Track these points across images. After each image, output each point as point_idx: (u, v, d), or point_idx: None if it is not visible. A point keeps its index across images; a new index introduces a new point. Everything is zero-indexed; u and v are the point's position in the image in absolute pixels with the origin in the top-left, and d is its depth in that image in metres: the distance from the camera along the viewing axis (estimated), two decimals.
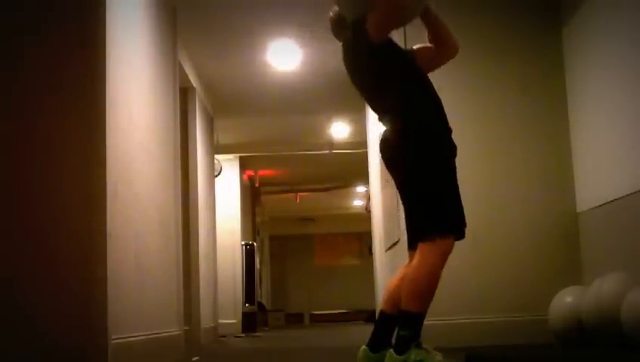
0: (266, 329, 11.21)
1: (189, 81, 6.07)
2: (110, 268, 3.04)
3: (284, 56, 6.27)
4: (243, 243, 9.89)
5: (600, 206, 4.08)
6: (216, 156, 8.10)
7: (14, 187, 3.05)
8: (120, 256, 3.26)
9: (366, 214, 10.22)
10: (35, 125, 3.10)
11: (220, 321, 7.76)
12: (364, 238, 14.27)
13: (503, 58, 4.59)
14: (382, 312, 2.79)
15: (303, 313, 16.84)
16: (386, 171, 2.89)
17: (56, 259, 3.02)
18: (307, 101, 7.67)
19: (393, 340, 2.65)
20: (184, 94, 5.96)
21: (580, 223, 4.38)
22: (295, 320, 15.76)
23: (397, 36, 2.93)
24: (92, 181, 3.05)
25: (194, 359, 4.42)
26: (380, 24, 2.69)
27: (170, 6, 4.85)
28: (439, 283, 2.61)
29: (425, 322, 2.62)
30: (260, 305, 11.37)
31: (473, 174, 4.37)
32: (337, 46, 2.95)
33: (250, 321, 9.60)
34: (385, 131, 2.79)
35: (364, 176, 8.15)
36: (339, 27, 2.89)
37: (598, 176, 4.16)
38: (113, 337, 3.04)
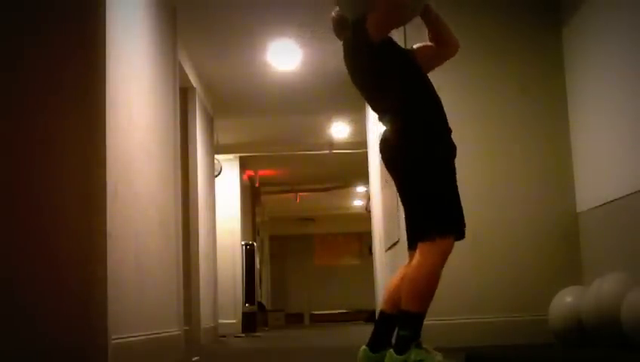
0: (266, 329, 11.21)
1: (189, 81, 6.07)
2: (110, 268, 3.04)
3: (284, 56, 6.27)
4: (243, 243, 9.89)
5: (600, 206, 4.08)
6: (216, 156, 8.10)
7: (14, 187, 3.05)
8: (120, 256, 3.26)
9: (366, 214, 10.22)
10: (35, 125, 3.10)
11: (220, 321, 7.76)
12: (364, 238, 14.27)
13: (503, 58, 4.60)
14: (382, 312, 2.79)
15: (303, 313, 16.84)
16: (386, 171, 2.89)
17: (56, 259, 3.02)
18: (307, 101, 7.67)
19: (393, 340, 2.65)
20: (184, 94, 5.96)
21: (580, 223, 4.38)
22: (295, 320, 15.76)
23: (397, 35, 2.93)
24: (92, 181, 3.05)
25: (194, 359, 4.42)
26: (380, 23, 2.69)
27: (170, 6, 4.85)
28: (439, 283, 2.61)
29: (425, 322, 2.62)
30: (260, 305, 11.37)
31: (473, 174, 4.37)
32: (337, 46, 2.95)
33: (250, 321, 9.60)
34: (385, 131, 2.79)
35: (364, 176, 8.15)
36: (340, 27, 2.90)
37: (598, 176, 4.16)
38: (113, 337, 3.04)
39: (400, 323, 2.61)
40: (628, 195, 3.72)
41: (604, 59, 4.05)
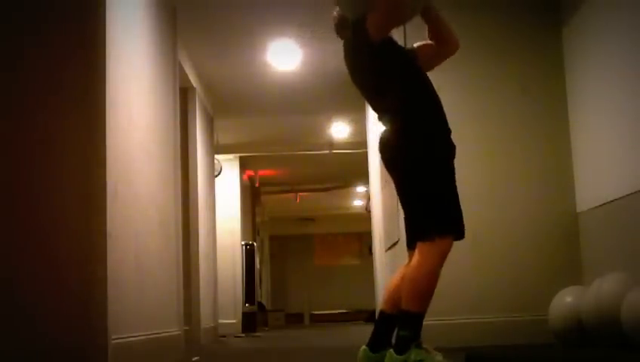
0: (266, 329, 11.21)
1: (189, 81, 6.07)
2: (110, 268, 3.04)
3: (284, 56, 6.26)
4: (243, 243, 9.89)
5: (600, 206, 4.08)
6: (216, 156, 8.10)
7: (14, 187, 3.05)
8: (120, 256, 3.26)
9: (366, 214, 10.22)
10: (35, 125, 3.10)
11: (220, 321, 7.76)
12: (364, 238, 14.27)
13: (503, 58, 4.60)
14: (382, 312, 2.79)
15: (303, 313, 16.84)
16: (386, 171, 2.89)
17: (56, 259, 3.02)
18: (307, 101, 7.67)
19: (393, 340, 2.65)
20: (184, 94, 5.96)
21: (580, 223, 4.38)
22: (295, 320, 15.75)
23: (397, 35, 2.93)
24: (92, 181, 3.05)
25: (194, 359, 4.42)
26: (380, 23, 2.69)
27: (170, 6, 4.85)
28: (439, 283, 2.61)
29: (425, 322, 2.62)
30: (260, 305, 11.37)
31: (473, 174, 4.37)
32: (337, 46, 2.95)
33: (250, 321, 9.59)
34: (384, 131, 2.79)
35: (364, 176, 8.15)
36: (341, 27, 2.90)
37: (598, 176, 4.16)
38: (113, 337, 3.04)
39: (400, 323, 2.61)
40: (628, 195, 3.72)
41: (604, 59, 4.05)
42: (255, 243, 10.56)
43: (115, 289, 3.10)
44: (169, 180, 4.55)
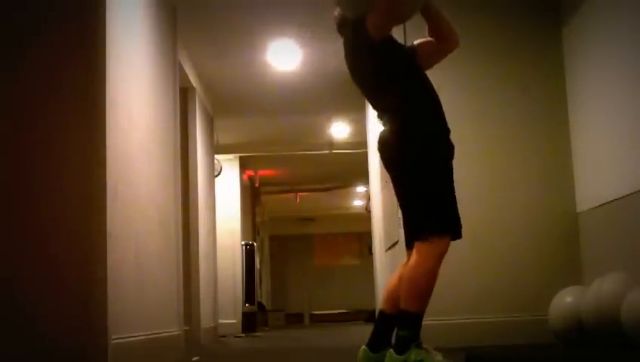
0: (266, 329, 11.21)
1: (189, 81, 6.07)
2: (110, 268, 3.04)
3: (284, 56, 6.27)
4: (243, 243, 9.89)
5: (600, 206, 4.08)
6: (216, 156, 8.10)
7: (14, 187, 3.05)
8: (120, 256, 3.26)
9: (366, 214, 10.22)
10: (35, 125, 3.10)
11: (220, 321, 7.76)
12: (364, 238, 14.27)
13: (503, 58, 4.60)
14: (381, 312, 2.79)
15: (303, 313, 16.84)
16: (386, 171, 2.89)
17: (56, 259, 3.02)
18: (307, 101, 7.67)
19: (393, 340, 2.65)
20: (184, 94, 5.96)
21: (580, 223, 4.38)
22: (295, 320, 15.75)
23: (397, 33, 2.93)
24: (92, 181, 3.05)
25: (194, 359, 4.42)
26: (380, 23, 2.69)
27: (170, 6, 4.85)
28: (438, 283, 2.62)
29: (425, 322, 2.62)
30: (260, 305, 11.37)
31: (473, 174, 4.37)
32: (337, 46, 2.95)
33: (250, 321, 9.59)
34: (383, 130, 2.79)
35: (364, 176, 8.15)
36: (342, 26, 2.90)
37: (598, 176, 4.16)
38: (113, 337, 3.04)
39: (399, 323, 2.61)
40: (628, 195, 3.72)
41: (604, 59, 4.05)
42: (255, 243, 10.56)
43: (115, 289, 3.10)
44: (169, 180, 4.55)
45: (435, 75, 2.84)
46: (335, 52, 3.10)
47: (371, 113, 5.77)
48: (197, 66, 6.36)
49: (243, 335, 8.73)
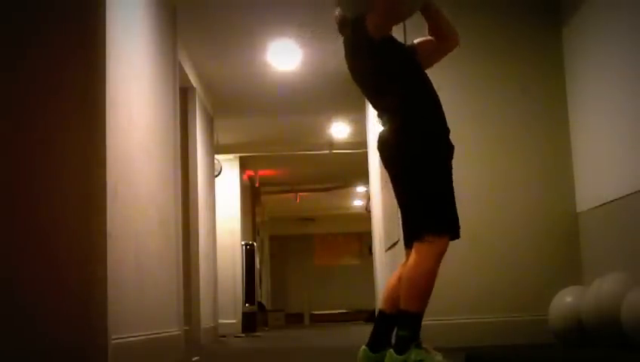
0: (266, 329, 11.21)
1: (189, 81, 6.07)
2: (110, 268, 3.04)
3: (284, 56, 6.27)
4: (243, 243, 9.89)
5: (600, 206, 4.08)
6: (216, 156, 8.10)
7: (14, 187, 3.05)
8: (120, 256, 3.26)
9: (366, 214, 10.22)
10: (35, 125, 3.10)
11: (220, 321, 7.76)
12: (364, 238, 14.27)
13: (503, 58, 4.60)
14: (381, 312, 2.79)
15: (303, 313, 16.84)
16: (385, 171, 2.89)
17: (56, 259, 3.02)
18: (307, 101, 7.67)
19: (393, 340, 2.65)
20: (184, 94, 5.96)
21: (580, 223, 4.38)
22: (295, 320, 15.75)
23: (397, 32, 2.93)
24: (92, 181, 3.05)
25: (194, 359, 4.42)
26: (379, 22, 2.69)
27: (170, 6, 4.85)
28: (438, 283, 2.62)
29: (424, 322, 2.62)
30: (260, 305, 11.37)
31: (473, 174, 4.37)
32: (337, 46, 2.95)
33: (250, 321, 9.60)
34: (383, 130, 2.79)
35: (364, 176, 8.15)
36: (342, 26, 2.90)
37: (598, 176, 4.16)
38: (113, 337, 3.04)
39: (399, 323, 2.61)
40: (628, 195, 3.72)
41: (604, 59, 4.05)
42: (255, 243, 10.56)
43: (115, 289, 3.10)
44: (169, 180, 4.55)
45: (435, 75, 2.84)
46: (335, 52, 3.10)
47: (371, 113, 5.77)
48: (197, 66, 6.36)
49: (243, 335, 8.73)
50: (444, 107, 2.75)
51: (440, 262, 2.61)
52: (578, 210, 4.39)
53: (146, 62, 4.12)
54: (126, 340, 3.26)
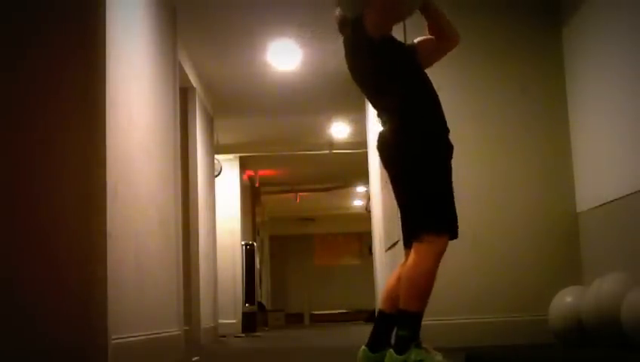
0: (266, 329, 11.21)
1: (189, 81, 6.07)
2: (110, 268, 3.04)
3: (284, 56, 6.27)
4: (243, 243, 9.89)
5: (600, 206, 4.08)
6: (216, 156, 8.10)
7: (14, 187, 3.05)
8: (120, 256, 3.26)
9: (366, 214, 10.22)
10: (35, 125, 3.10)
11: (220, 321, 7.76)
12: (364, 238, 14.27)
13: (502, 58, 4.60)
14: (381, 312, 2.79)
15: (303, 313, 16.84)
16: (385, 171, 2.89)
17: (56, 259, 3.02)
18: (307, 101, 7.67)
19: (392, 340, 2.65)
20: (184, 94, 5.96)
21: (580, 223, 4.38)
22: (295, 320, 15.76)
23: (397, 31, 2.93)
24: (92, 181, 3.05)
25: (194, 359, 4.42)
26: (376, 21, 2.69)
27: (170, 6, 4.85)
28: (438, 283, 2.62)
29: (424, 322, 2.62)
30: (260, 305, 11.37)
31: (473, 174, 4.38)
32: (337, 46, 2.95)
33: (250, 321, 9.60)
34: (383, 130, 2.79)
35: (364, 176, 8.15)
36: (343, 26, 2.90)
37: (598, 176, 4.16)
38: (113, 337, 3.04)
39: (399, 323, 2.61)
40: (628, 195, 3.72)
41: (604, 59, 4.05)
42: (255, 243, 10.56)
43: (115, 289, 3.10)
44: (169, 180, 4.55)
45: (435, 75, 2.84)
46: (335, 52, 3.10)
47: (371, 113, 5.77)
48: (197, 66, 6.36)
49: (243, 335, 8.73)
50: (444, 107, 2.75)
51: (439, 261, 2.61)
52: (578, 210, 4.39)
53: (146, 62, 4.12)
54: (126, 340, 3.26)
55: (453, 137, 2.72)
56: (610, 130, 4.00)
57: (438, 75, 2.92)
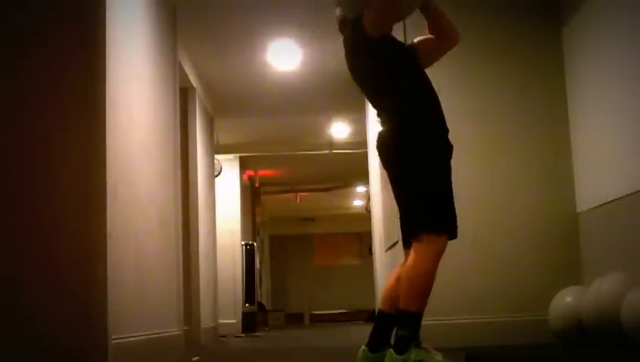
0: (266, 329, 11.21)
1: (189, 81, 6.07)
2: (110, 268, 3.04)
3: (284, 56, 6.27)
4: (243, 243, 9.89)
5: (600, 206, 4.08)
6: (216, 156, 8.10)
7: (15, 187, 3.05)
8: (120, 256, 3.26)
9: (366, 214, 10.22)
10: (35, 125, 3.10)
11: (220, 321, 7.76)
12: (364, 238, 14.27)
13: (502, 58, 4.60)
14: (380, 312, 2.79)
15: (303, 313, 16.84)
16: (385, 171, 2.89)
17: (56, 259, 3.02)
18: (307, 101, 7.67)
19: (392, 340, 2.65)
20: (184, 94, 5.96)
21: (580, 223, 4.38)
22: (295, 320, 15.75)
23: (397, 30, 2.93)
24: (92, 181, 3.05)
25: (194, 359, 4.42)
26: (375, 20, 2.69)
27: (170, 6, 4.85)
28: (438, 283, 2.62)
29: (424, 322, 2.62)
30: (260, 305, 11.37)
31: (473, 175, 4.38)
32: (337, 46, 2.95)
33: (250, 321, 9.60)
34: (382, 129, 2.79)
35: (364, 176, 8.15)
36: (344, 26, 2.90)
37: (598, 176, 4.16)
38: (113, 337, 3.04)
39: (399, 323, 2.61)
40: (628, 195, 3.72)
41: (604, 59, 4.05)
42: (255, 243, 10.56)
43: (115, 289, 3.10)
44: (169, 180, 4.55)
45: (435, 75, 2.84)
46: (335, 52, 3.11)
47: (371, 113, 5.77)
48: (197, 66, 6.36)
49: (243, 335, 8.73)
50: (443, 107, 2.75)
51: (439, 261, 2.61)
52: (578, 210, 4.39)
53: (146, 62, 4.12)
54: (126, 340, 3.26)
55: (452, 137, 2.72)
56: (610, 130, 4.00)
57: (438, 75, 2.92)
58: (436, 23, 2.86)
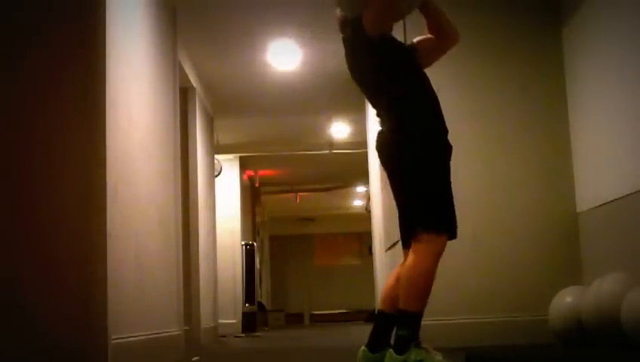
0: (266, 329, 11.21)
1: (189, 81, 6.07)
2: (110, 268, 3.04)
3: (284, 56, 6.27)
4: (243, 243, 9.89)
5: (600, 206, 4.08)
6: (216, 156, 8.10)
7: (14, 187, 3.05)
8: (120, 256, 3.26)
9: (366, 214, 10.23)
10: (35, 125, 3.10)
11: (220, 321, 7.76)
12: (364, 238, 14.28)
13: (502, 58, 4.59)
14: (380, 312, 2.79)
15: (303, 313, 16.84)
16: (385, 171, 2.89)
17: (56, 259, 3.02)
18: (307, 101, 7.67)
19: (392, 340, 2.65)
20: (184, 94, 5.96)
21: (579, 223, 4.38)
22: (295, 320, 15.76)
23: (397, 30, 2.93)
24: (92, 181, 3.06)
25: (194, 359, 4.42)
26: (374, 19, 2.69)
27: (170, 6, 4.85)
28: (438, 283, 2.62)
29: (424, 322, 2.62)
30: (260, 305, 11.37)
31: (473, 174, 4.38)
32: (337, 46, 2.95)
33: (250, 321, 9.60)
34: (382, 129, 2.79)
35: (364, 176, 8.15)
36: (344, 26, 2.90)
37: (598, 176, 4.16)
38: (113, 337, 3.04)
39: (398, 323, 2.61)
40: (628, 195, 3.72)
41: (604, 59, 4.05)
42: (255, 243, 10.57)
43: (115, 289, 3.10)
44: (169, 180, 4.55)
45: (435, 75, 2.84)
46: (335, 52, 3.10)
47: (371, 113, 5.77)
48: (197, 66, 6.36)
49: (243, 335, 8.73)
50: (443, 107, 2.75)
51: (438, 261, 2.61)
52: (578, 210, 4.39)
53: (146, 62, 4.12)
54: (126, 340, 3.26)
55: (452, 137, 2.72)
56: (610, 130, 4.00)
57: (438, 75, 2.92)
58: (436, 23, 2.86)
